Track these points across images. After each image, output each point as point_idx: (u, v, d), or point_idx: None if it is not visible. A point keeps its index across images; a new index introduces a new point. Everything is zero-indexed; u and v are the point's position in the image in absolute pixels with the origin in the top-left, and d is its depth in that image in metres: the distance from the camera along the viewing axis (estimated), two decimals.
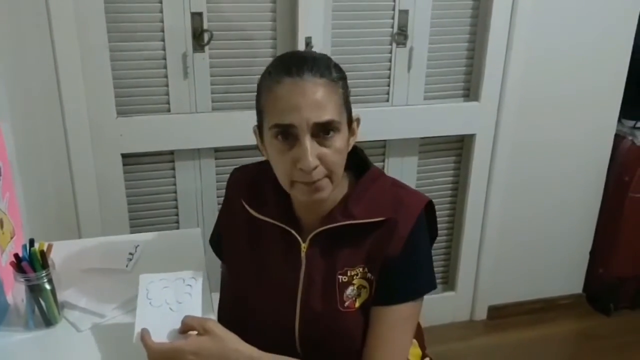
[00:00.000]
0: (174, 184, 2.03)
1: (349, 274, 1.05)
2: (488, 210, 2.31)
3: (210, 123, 1.96)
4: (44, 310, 1.10)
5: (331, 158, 0.98)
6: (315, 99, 0.95)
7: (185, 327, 0.97)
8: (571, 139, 2.31)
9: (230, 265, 1.20)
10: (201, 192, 2.06)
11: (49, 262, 1.09)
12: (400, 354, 1.05)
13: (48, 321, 1.11)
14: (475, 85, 2.16)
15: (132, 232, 2.02)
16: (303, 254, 1.07)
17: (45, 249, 1.10)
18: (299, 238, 1.07)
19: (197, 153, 2.01)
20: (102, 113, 1.84)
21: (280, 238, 1.09)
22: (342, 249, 1.06)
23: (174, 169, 2.02)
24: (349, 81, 1.04)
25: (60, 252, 1.18)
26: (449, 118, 2.16)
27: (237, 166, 1.24)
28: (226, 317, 1.19)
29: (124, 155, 1.92)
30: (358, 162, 1.10)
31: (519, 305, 2.52)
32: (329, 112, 0.96)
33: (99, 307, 1.14)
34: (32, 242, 1.10)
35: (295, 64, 0.97)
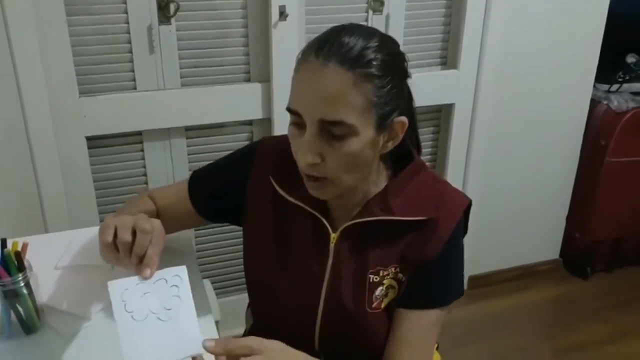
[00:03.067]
0: (144, 166, 1.91)
1: (381, 274, 0.97)
2: (467, 181, 2.27)
3: (180, 100, 1.83)
4: (22, 317, 0.99)
5: (335, 161, 0.88)
6: (329, 92, 0.83)
7: (228, 352, 0.80)
8: (548, 106, 2.29)
9: (252, 239, 1.10)
10: (173, 174, 1.95)
11: (25, 263, 0.98)
12: (430, 357, 1.00)
13: (27, 328, 1.00)
14: (453, 53, 2.10)
15: (101, 222, 1.89)
16: (332, 246, 0.99)
17: (19, 249, 0.98)
18: (329, 228, 0.99)
19: (166, 133, 1.89)
20: (63, 93, 1.70)
21: (309, 224, 1.00)
22: (375, 246, 0.97)
23: (142, 150, 1.89)
24: None
25: (29, 249, 1.05)
26: (427, 87, 2.09)
27: (269, 136, 1.15)
28: (250, 286, 1.12)
29: (88, 138, 1.79)
30: (400, 152, 0.99)
31: (498, 274, 2.52)
32: (342, 112, 0.84)
33: (83, 309, 1.04)
34: (4, 242, 0.98)
35: (330, 44, 0.84)
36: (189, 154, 1.95)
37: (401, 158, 1.00)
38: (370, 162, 0.92)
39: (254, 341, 0.82)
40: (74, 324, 1.02)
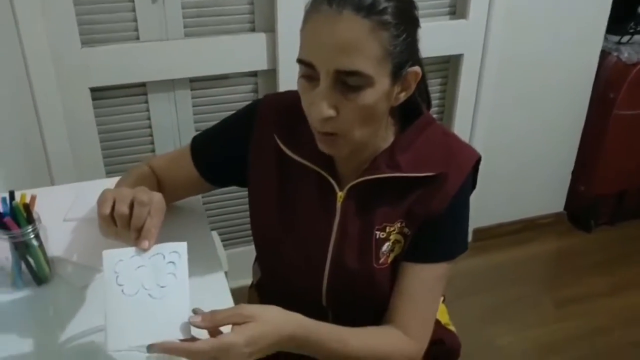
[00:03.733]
0: (149, 118, 1.90)
1: (387, 229, 0.97)
2: (474, 134, 2.26)
3: (183, 51, 1.80)
4: (33, 268, 1.00)
5: (351, 114, 0.85)
6: (345, 41, 0.80)
7: (217, 324, 0.79)
8: (558, 57, 2.25)
9: (256, 199, 1.08)
10: (178, 126, 1.93)
11: (34, 215, 0.98)
12: (430, 314, 1.00)
13: (39, 279, 1.01)
14: (462, 2, 2.04)
15: (107, 174, 1.90)
16: (338, 205, 0.98)
17: (28, 201, 0.98)
18: (336, 186, 0.98)
19: (171, 84, 1.87)
20: (65, 44, 1.66)
21: (315, 183, 0.99)
22: (381, 203, 0.97)
23: (147, 102, 1.87)
24: None
25: (37, 202, 1.04)
26: (435, 38, 2.05)
27: (271, 93, 1.11)
28: (257, 244, 1.12)
29: (92, 90, 1.77)
30: (408, 106, 0.96)
31: (502, 227, 2.53)
32: (358, 62, 0.81)
33: (93, 261, 1.05)
34: (12, 194, 0.98)
35: None
36: (193, 106, 1.93)
37: (409, 112, 0.98)
38: (383, 115, 0.90)
39: (245, 309, 0.80)
40: (85, 275, 1.03)
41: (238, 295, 1.06)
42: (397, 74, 0.86)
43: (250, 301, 1.26)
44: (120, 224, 0.82)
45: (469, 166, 0.97)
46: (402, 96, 0.90)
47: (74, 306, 0.97)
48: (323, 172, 0.98)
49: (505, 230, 2.53)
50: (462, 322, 1.20)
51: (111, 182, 1.14)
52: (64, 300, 0.99)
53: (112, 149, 1.90)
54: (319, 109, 0.84)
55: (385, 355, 0.94)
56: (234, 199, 2.09)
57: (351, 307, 1.03)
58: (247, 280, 1.31)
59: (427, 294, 0.98)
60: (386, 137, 0.97)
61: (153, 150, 1.95)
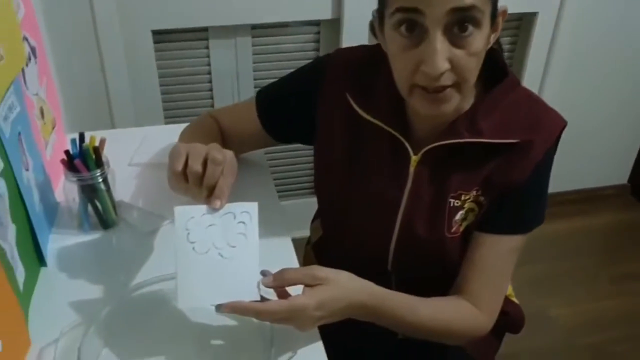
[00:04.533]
0: (209, 64, 1.87)
1: (462, 198, 0.92)
2: (542, 96, 2.15)
3: None
4: (100, 212, 1.00)
5: (464, 62, 0.79)
6: None
7: (288, 283, 0.78)
8: (635, 21, 2.10)
9: (323, 158, 1.04)
10: (237, 74, 1.90)
11: (103, 159, 0.97)
12: (502, 287, 0.96)
13: (105, 223, 1.01)
14: None
15: (165, 118, 1.89)
16: (411, 169, 0.93)
17: (97, 144, 0.97)
18: (410, 150, 0.92)
19: (232, 30, 1.83)
20: None
21: (387, 145, 0.94)
22: (457, 169, 0.91)
23: (208, 47, 1.84)
24: None
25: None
26: None
27: (341, 47, 1.04)
28: (321, 205, 1.09)
29: (154, 32, 1.74)
30: (491, 65, 0.89)
31: (561, 195, 2.44)
32: None
33: (158, 208, 1.04)
34: (82, 136, 0.97)
35: None
36: (254, 54, 1.89)
37: (493, 72, 0.91)
38: (481, 63, 0.83)
39: (318, 270, 0.78)
40: (150, 222, 1.02)
41: None
42: (494, 15, 0.80)
43: (305, 260, 1.24)
44: (192, 181, 0.79)
45: (554, 135, 0.91)
46: (493, 39, 0.84)
47: (140, 252, 0.97)
48: (397, 134, 0.92)
49: (565, 199, 2.44)
50: (515, 290, 1.16)
51: (174, 129, 1.13)
52: (130, 246, 0.99)
53: (171, 93, 1.88)
54: (434, 64, 0.77)
55: (454, 327, 0.91)
56: (291, 150, 2.06)
57: (417, 274, 0.99)
58: (302, 233, 1.28)
59: (500, 266, 0.94)
60: (468, 95, 0.91)
61: (211, 97, 1.93)
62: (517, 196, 0.91)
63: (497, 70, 0.91)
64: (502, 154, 0.89)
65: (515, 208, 0.92)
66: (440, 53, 0.76)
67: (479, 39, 0.78)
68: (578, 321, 2.00)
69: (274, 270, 0.79)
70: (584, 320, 2.00)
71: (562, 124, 0.92)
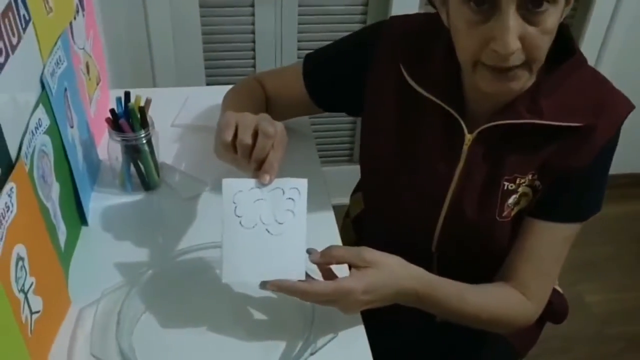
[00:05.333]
0: (253, 23, 1.82)
1: (517, 181, 0.87)
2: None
3: None
4: (142, 174, 0.98)
5: (537, 41, 0.74)
6: None
7: (334, 261, 0.76)
8: None
9: (371, 130, 1.00)
10: (281, 36, 1.85)
11: (148, 120, 0.95)
12: (552, 277, 0.92)
13: (147, 185, 0.99)
14: None
15: (207, 77, 1.86)
16: (465, 148, 0.88)
17: (142, 104, 0.95)
18: (465, 128, 0.88)
19: None
20: None
21: (440, 122, 0.89)
22: (514, 150, 0.86)
23: (253, 5, 1.79)
24: None
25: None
26: None
27: (396, 15, 0.99)
28: (365, 178, 1.05)
29: None
30: (557, 40, 0.82)
31: (611, 179, 2.34)
32: None
33: (200, 173, 1.02)
34: (127, 95, 0.95)
35: None
36: (299, 14, 1.83)
37: (559, 48, 0.84)
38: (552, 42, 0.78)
39: (367, 253, 0.76)
40: (192, 187, 1.00)
41: None
42: None
43: (343, 233, 1.22)
44: (242, 153, 0.76)
45: (620, 119, 0.85)
46: (565, 12, 0.78)
47: (181, 217, 0.95)
48: (452, 111, 0.88)
49: (613, 182, 2.35)
50: None
51: (217, 90, 1.09)
52: (171, 210, 0.97)
53: (213, 52, 1.85)
54: (505, 42, 0.72)
55: (502, 317, 0.88)
56: (331, 116, 2.01)
57: (462, 257, 0.96)
58: (340, 200, 1.24)
59: (552, 255, 0.90)
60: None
61: (254, 58, 1.89)
62: (576, 183, 0.86)
63: (563, 46, 0.85)
64: (562, 137, 0.84)
65: (573, 195, 0.87)
66: (513, 31, 0.71)
67: (554, 15, 0.73)
68: (613, 309, 1.94)
69: (317, 247, 0.76)
70: (619, 309, 1.94)
71: (628, 109, 0.86)
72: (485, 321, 0.87)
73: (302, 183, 0.76)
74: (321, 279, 0.78)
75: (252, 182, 0.76)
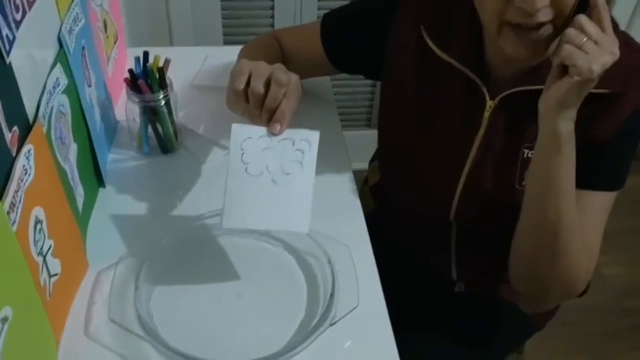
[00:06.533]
0: None
1: None
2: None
3: None
4: (160, 136, 0.96)
5: (562, 1, 0.70)
6: None
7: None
8: None
9: (390, 95, 0.97)
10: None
11: (167, 81, 0.92)
12: (594, 247, 0.88)
13: (164, 148, 0.97)
14: None
15: (225, 36, 1.82)
16: (486, 114, 0.85)
17: (161, 64, 0.92)
18: (487, 94, 0.85)
19: None
20: None
21: (461, 87, 0.86)
22: (536, 117, 0.81)
23: None
24: None
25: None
26: None
27: None
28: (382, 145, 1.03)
29: None
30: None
31: None
32: None
33: (219, 137, 1.00)
34: (146, 55, 0.92)
35: None
36: None
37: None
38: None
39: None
40: (210, 152, 0.98)
41: None
42: None
43: (363, 202, 1.20)
44: (253, 102, 0.75)
45: None
46: None
47: (198, 182, 0.94)
48: (474, 77, 0.85)
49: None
50: None
51: (236, 50, 1.05)
52: (189, 174, 0.95)
53: (232, 9, 1.80)
54: None
55: (579, 251, 0.84)
56: (352, 79, 1.97)
57: (480, 226, 0.94)
58: (359, 165, 1.22)
59: (591, 224, 0.86)
60: None
61: (272, 17, 1.84)
62: (601, 151, 0.82)
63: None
64: (588, 104, 0.78)
65: (604, 163, 0.83)
66: None
67: None
68: (631, 283, 1.92)
69: (330, 205, 0.74)
70: (637, 283, 1.92)
71: None
72: (562, 240, 0.82)
73: (314, 135, 0.75)
74: (325, 245, 0.76)
75: (262, 129, 0.74)
